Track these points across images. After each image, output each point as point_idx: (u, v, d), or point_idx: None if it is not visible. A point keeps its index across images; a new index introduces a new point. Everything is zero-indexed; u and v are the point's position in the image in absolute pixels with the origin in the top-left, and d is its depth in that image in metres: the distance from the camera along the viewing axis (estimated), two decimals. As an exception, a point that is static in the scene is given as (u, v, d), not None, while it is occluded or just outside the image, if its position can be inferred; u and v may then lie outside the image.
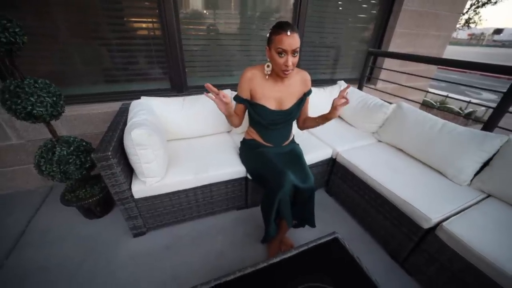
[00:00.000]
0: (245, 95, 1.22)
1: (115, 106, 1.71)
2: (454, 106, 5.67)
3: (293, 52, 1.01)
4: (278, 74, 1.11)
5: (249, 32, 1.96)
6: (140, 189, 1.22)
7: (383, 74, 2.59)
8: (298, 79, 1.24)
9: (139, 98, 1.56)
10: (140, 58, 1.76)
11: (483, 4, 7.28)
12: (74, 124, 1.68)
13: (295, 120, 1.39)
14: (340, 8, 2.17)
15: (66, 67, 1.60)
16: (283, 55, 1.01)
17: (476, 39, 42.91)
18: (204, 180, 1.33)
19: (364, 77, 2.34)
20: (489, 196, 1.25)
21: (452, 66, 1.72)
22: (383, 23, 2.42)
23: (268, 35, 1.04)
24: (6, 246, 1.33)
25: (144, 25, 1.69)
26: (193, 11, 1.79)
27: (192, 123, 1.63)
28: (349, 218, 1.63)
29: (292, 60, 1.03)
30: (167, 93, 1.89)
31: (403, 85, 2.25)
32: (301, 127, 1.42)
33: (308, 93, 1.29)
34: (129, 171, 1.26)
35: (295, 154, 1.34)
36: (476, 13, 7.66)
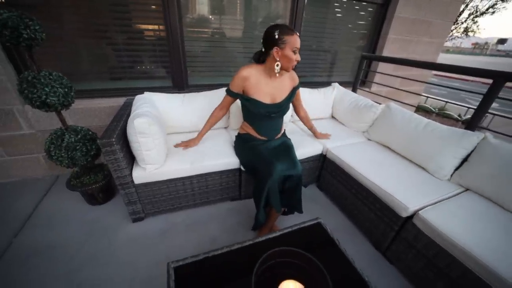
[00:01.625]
0: (238, 89, 1.34)
1: (119, 101, 1.82)
2: (454, 113, 5.73)
3: (298, 49, 1.20)
4: (287, 69, 1.25)
5: (249, 35, 2.08)
6: (140, 175, 1.32)
7: (377, 78, 2.69)
8: (287, 77, 1.38)
9: (143, 93, 1.67)
10: (145, 58, 1.89)
11: (482, 14, 7.40)
12: (80, 117, 1.79)
13: (294, 112, 1.68)
14: (338, 15, 2.30)
15: (75, 64, 1.73)
16: (296, 52, 1.19)
17: (480, 49, 42.99)
18: (200, 169, 1.43)
19: (358, 80, 2.43)
20: (467, 190, 1.32)
21: (440, 70, 1.82)
22: (377, 29, 2.53)
23: (276, 36, 1.13)
24: (15, 227, 1.44)
25: (149, 27, 1.82)
26: (196, 15, 1.92)
27: (191, 118, 1.73)
28: (338, 212, 1.70)
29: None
30: (169, 91, 2.00)
31: (397, 88, 2.35)
32: (299, 116, 1.69)
33: (297, 87, 1.45)
34: (131, 159, 1.36)
35: (285, 146, 1.44)
36: (474, 22, 7.78)
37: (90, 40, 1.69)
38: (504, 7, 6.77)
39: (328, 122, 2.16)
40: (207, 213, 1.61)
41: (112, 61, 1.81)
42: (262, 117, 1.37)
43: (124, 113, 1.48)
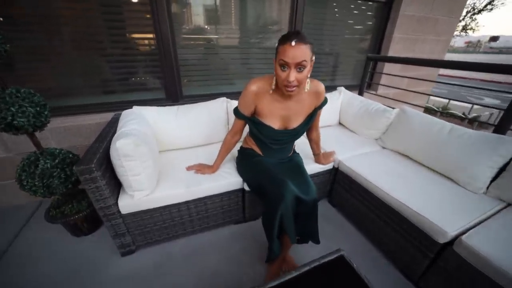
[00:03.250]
0: (248, 111, 1.11)
1: (108, 116, 1.65)
2: (457, 111, 5.59)
3: (298, 65, 0.87)
4: (283, 92, 0.98)
5: (246, 42, 1.94)
6: (127, 203, 1.13)
7: (383, 80, 2.54)
8: (309, 92, 1.08)
9: (132, 108, 1.50)
10: (135, 69, 1.73)
11: (479, 11, 7.38)
12: (64, 136, 1.62)
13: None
14: (337, 15, 2.16)
15: (58, 78, 1.56)
16: (285, 68, 0.89)
17: (473, 47, 43.48)
18: (197, 194, 1.24)
19: (364, 83, 2.28)
20: (509, 205, 1.14)
21: (452, 68, 1.66)
22: (381, 29, 2.40)
23: (276, 44, 0.93)
24: (-16, 268, 1.24)
25: (138, 35, 1.67)
26: (189, 22, 1.77)
27: (186, 133, 1.56)
28: (354, 231, 1.51)
29: (296, 75, 0.89)
30: (162, 103, 1.84)
31: (405, 90, 2.19)
32: (309, 137, 1.40)
33: (320, 106, 1.16)
34: (117, 185, 1.18)
35: (295, 163, 1.26)
36: (473, 20, 7.75)
37: (74, 51, 1.53)
38: (502, 3, 6.75)
39: (335, 130, 1.99)
40: (207, 241, 1.41)
41: (99, 73, 1.64)
42: (269, 144, 1.19)
43: (110, 130, 1.31)
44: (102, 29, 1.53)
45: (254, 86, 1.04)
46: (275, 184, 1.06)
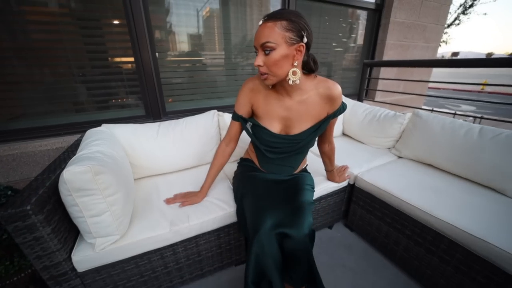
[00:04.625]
0: (244, 110, 0.94)
1: (70, 139, 1.35)
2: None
3: (263, 48, 0.71)
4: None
5: (231, 60, 1.77)
6: (86, 257, 0.80)
7: (380, 87, 2.45)
8: (318, 94, 0.87)
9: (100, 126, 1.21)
10: (112, 89, 1.47)
11: (449, 26, 8.01)
12: (12, 167, 1.28)
13: (317, 143, 1.13)
14: (327, 23, 2.07)
15: (11, 94, 1.26)
16: (256, 53, 0.75)
17: (439, 62, 47.61)
18: (185, 232, 0.93)
19: (363, 90, 2.15)
20: None
21: (453, 66, 1.65)
22: (372, 35, 2.35)
23: None
24: None
25: (118, 59, 1.45)
26: (172, 48, 1.58)
27: (170, 154, 1.28)
28: (383, 261, 1.23)
29: (262, 59, 0.73)
30: (142, 121, 1.57)
31: (405, 93, 2.08)
32: (321, 149, 1.15)
33: (334, 114, 0.91)
34: (72, 229, 0.85)
35: (294, 184, 0.98)
36: (445, 33, 8.38)
37: (32, 63, 1.25)
38: (468, 18, 7.39)
39: (341, 142, 1.78)
40: (201, 293, 1.07)
41: (64, 89, 1.36)
42: (263, 150, 0.96)
43: (68, 157, 1.00)
44: (67, 42, 1.28)
45: (250, 83, 0.92)
46: (255, 211, 0.83)
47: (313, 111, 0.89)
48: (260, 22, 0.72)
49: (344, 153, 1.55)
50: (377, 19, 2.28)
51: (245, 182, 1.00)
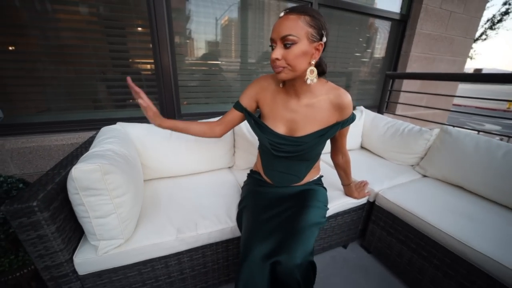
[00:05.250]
0: (247, 100, 0.91)
1: (86, 135, 1.35)
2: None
3: (284, 40, 0.67)
4: (277, 76, 0.76)
5: (248, 66, 1.75)
6: (87, 260, 0.76)
7: (402, 100, 2.34)
8: (328, 100, 0.83)
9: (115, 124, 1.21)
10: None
11: (475, 40, 7.71)
12: (28, 159, 1.29)
13: (330, 155, 1.07)
14: (347, 32, 2.02)
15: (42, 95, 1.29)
16: (273, 47, 0.71)
17: (460, 78, 45.97)
18: (192, 242, 0.88)
19: (384, 102, 2.06)
20: None
21: (484, 81, 1.56)
22: (396, 47, 2.26)
23: None
24: None
25: (139, 59, 1.48)
26: (190, 53, 1.59)
27: (182, 157, 1.24)
28: (405, 291, 1.12)
29: (282, 52, 0.68)
30: (156, 121, 1.55)
31: (430, 108, 1.96)
32: (334, 161, 1.08)
33: (343, 123, 0.86)
34: (77, 229, 0.82)
35: (302, 200, 0.89)
36: (471, 47, 8.08)
37: (53, 60, 1.28)
38: (496, 33, 7.04)
39: (359, 155, 1.68)
40: (204, 308, 1.00)
41: (81, 86, 1.38)
42: (269, 152, 0.90)
43: (81, 153, 0.99)
44: (104, 52, 1.34)
45: (263, 80, 0.90)
46: (248, 232, 0.78)
47: (320, 116, 0.85)
48: (282, 14, 0.68)
49: (363, 167, 1.46)
50: (402, 30, 2.20)
51: (249, 195, 0.95)
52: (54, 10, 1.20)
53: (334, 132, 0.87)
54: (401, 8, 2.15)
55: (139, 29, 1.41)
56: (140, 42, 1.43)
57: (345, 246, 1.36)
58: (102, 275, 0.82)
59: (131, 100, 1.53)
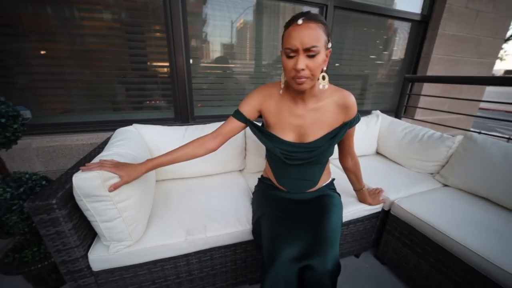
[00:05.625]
0: (248, 109, 0.87)
1: (104, 136, 1.42)
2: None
3: (308, 50, 0.66)
4: (292, 86, 0.75)
5: (260, 67, 1.74)
6: (101, 257, 0.79)
7: (420, 104, 2.22)
8: (333, 102, 0.84)
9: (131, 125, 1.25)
10: (146, 91, 1.54)
11: (506, 40, 7.20)
12: (51, 157, 1.37)
13: (339, 159, 1.05)
14: (364, 34, 1.96)
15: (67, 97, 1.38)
16: (292, 55, 0.68)
17: (488, 80, 43.11)
18: (201, 244, 0.89)
19: (402, 106, 1.97)
20: None
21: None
22: (416, 48, 2.16)
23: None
24: None
25: (155, 63, 1.53)
26: (206, 56, 1.62)
27: (194, 159, 1.26)
28: (421, 307, 1.05)
29: (306, 62, 0.67)
30: (171, 123, 1.60)
31: (452, 113, 1.83)
32: (343, 165, 1.06)
33: (350, 123, 0.87)
34: (90, 228, 0.85)
35: (320, 205, 0.89)
36: (501, 48, 7.56)
37: (78, 64, 1.36)
38: None
39: (374, 161, 1.62)
40: (211, 311, 1.01)
41: (103, 89, 1.45)
42: (281, 161, 0.88)
43: (97, 153, 1.03)
44: (107, 46, 1.38)
45: (263, 89, 0.89)
46: (272, 237, 0.76)
47: (327, 119, 0.85)
48: (300, 22, 0.65)
49: (379, 174, 1.40)
50: (422, 31, 2.10)
51: (263, 201, 0.94)
52: (81, 17, 1.28)
53: (344, 133, 0.88)
54: (422, 9, 2.06)
55: (157, 34, 1.46)
56: (157, 46, 1.48)
57: (357, 255, 1.31)
58: (114, 272, 0.84)
59: (147, 102, 1.59)
